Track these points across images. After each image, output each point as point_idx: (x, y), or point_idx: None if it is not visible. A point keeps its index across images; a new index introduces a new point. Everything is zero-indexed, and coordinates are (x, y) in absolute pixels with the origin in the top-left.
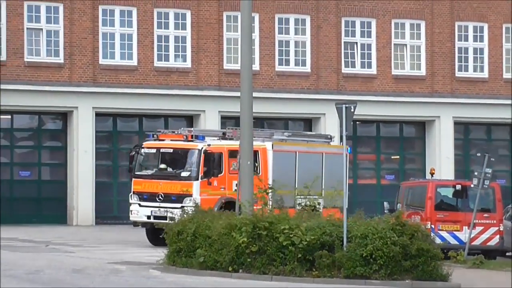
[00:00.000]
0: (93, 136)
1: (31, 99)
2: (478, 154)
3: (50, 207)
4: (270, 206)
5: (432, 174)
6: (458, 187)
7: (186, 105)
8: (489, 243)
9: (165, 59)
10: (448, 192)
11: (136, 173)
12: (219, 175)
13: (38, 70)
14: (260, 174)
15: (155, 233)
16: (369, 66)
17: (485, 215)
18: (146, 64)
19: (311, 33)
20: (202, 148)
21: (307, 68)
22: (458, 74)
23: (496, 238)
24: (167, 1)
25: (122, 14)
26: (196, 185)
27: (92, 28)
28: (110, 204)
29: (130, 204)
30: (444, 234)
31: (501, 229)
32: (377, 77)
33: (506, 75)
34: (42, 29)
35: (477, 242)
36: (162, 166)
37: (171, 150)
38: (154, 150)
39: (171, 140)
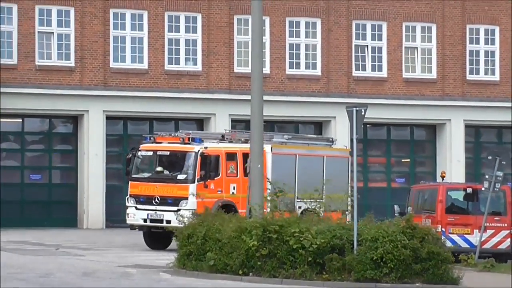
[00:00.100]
0: (103, 139)
1: (42, 102)
2: (489, 157)
3: (60, 210)
4: (280, 209)
5: (443, 177)
6: (469, 190)
7: (197, 109)
8: (500, 246)
9: (175, 63)
10: (459, 195)
11: (133, 175)
12: (216, 178)
13: (49, 73)
14: None
15: (152, 237)
16: (380, 69)
17: (496, 218)
18: (157, 68)
19: (322, 36)
20: (198, 150)
21: (318, 71)
22: (469, 77)
23: (507, 242)
24: (178, 5)
25: (133, 17)
26: (192, 188)
27: (103, 32)
28: (120, 208)
29: (127, 207)
30: (455, 237)
31: None
32: (387, 80)
33: None
34: (53, 32)
35: (488, 246)
36: (159, 169)
37: (168, 153)
38: (151, 153)
39: (168, 142)
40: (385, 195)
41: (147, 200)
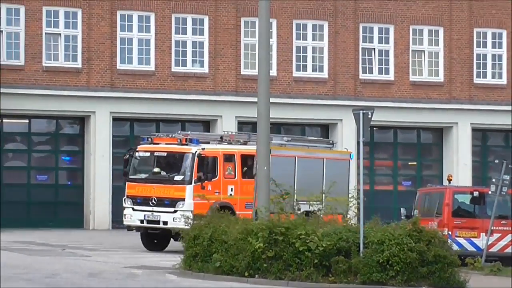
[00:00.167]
0: (110, 140)
1: (49, 103)
2: (496, 161)
3: (67, 211)
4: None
5: (449, 180)
6: (476, 193)
7: (203, 110)
8: (506, 250)
9: (182, 64)
10: (465, 199)
11: (130, 176)
12: (213, 179)
13: (56, 74)
14: None
15: (149, 238)
16: (387, 72)
17: (503, 222)
18: (164, 69)
19: (329, 39)
20: (196, 152)
21: (325, 74)
22: (476, 80)
23: None
24: (185, 7)
25: (140, 19)
26: (189, 189)
27: (110, 33)
28: None
29: (124, 208)
30: (461, 240)
31: None
32: (394, 83)
33: None
34: (60, 34)
35: (494, 249)
36: (156, 170)
37: (165, 154)
38: (148, 154)
39: (166, 143)
40: (392, 198)
41: (144, 201)
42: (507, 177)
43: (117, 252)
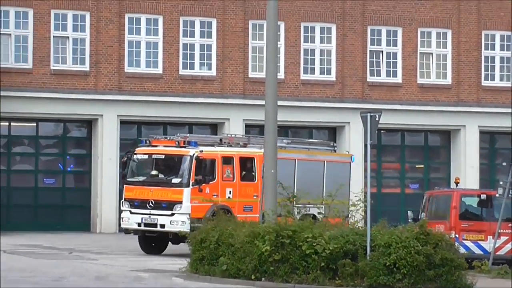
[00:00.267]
0: (117, 144)
1: (57, 106)
2: (504, 164)
3: (74, 214)
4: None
5: (457, 183)
6: (483, 196)
7: (211, 113)
8: None
9: (190, 67)
10: (473, 202)
11: (128, 179)
12: (211, 182)
13: (64, 78)
14: (256, 181)
15: (147, 241)
16: (395, 74)
17: (510, 224)
18: (171, 72)
19: (337, 41)
20: (194, 154)
21: (332, 77)
22: (484, 83)
23: None
24: (193, 9)
25: (148, 22)
26: (186, 192)
27: (118, 36)
28: None
29: (122, 211)
30: (469, 243)
31: None
32: (402, 86)
33: None
34: (68, 37)
35: (501, 252)
36: (154, 172)
37: (163, 156)
38: (146, 156)
39: (164, 146)
40: (399, 201)
41: (142, 204)
42: None
43: (124, 255)
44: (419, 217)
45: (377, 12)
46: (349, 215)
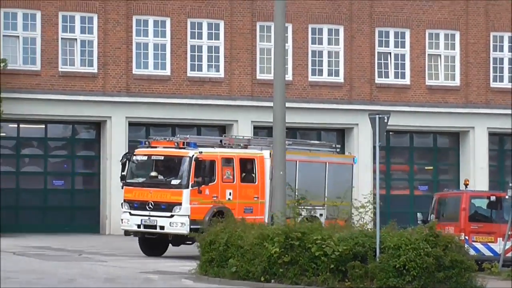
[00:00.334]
0: (126, 145)
1: (65, 108)
2: None
3: (83, 216)
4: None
5: (466, 185)
6: (493, 198)
7: (219, 115)
8: None
9: (198, 69)
10: (482, 203)
11: (128, 180)
12: (210, 184)
13: (72, 79)
14: (256, 183)
15: (147, 243)
16: (403, 76)
17: None
18: (179, 74)
19: (345, 43)
20: (193, 155)
21: (340, 78)
22: (492, 84)
23: None
24: (201, 11)
25: (155, 24)
26: (186, 194)
27: (126, 38)
28: None
29: (121, 212)
30: (478, 245)
31: None
32: (410, 87)
33: None
34: (76, 39)
35: (511, 254)
36: (153, 174)
37: (162, 158)
38: (145, 158)
39: (163, 147)
40: (408, 202)
41: (141, 205)
42: None
43: (133, 257)
44: (429, 219)
45: (385, 14)
46: (352, 217)
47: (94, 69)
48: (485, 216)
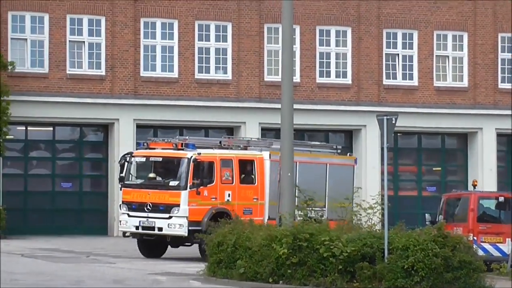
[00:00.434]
0: (134, 148)
1: (73, 111)
2: None
3: (91, 218)
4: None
5: (474, 186)
6: (501, 199)
7: (227, 117)
8: None
9: (205, 71)
10: (490, 204)
11: (126, 182)
12: (209, 185)
13: (80, 82)
14: (256, 184)
15: (146, 244)
16: (411, 77)
17: None
18: (187, 76)
19: (352, 44)
20: (191, 156)
21: (348, 80)
22: (501, 85)
23: None
24: (208, 13)
25: (163, 26)
26: (184, 195)
27: (133, 41)
28: None
29: (120, 214)
30: (487, 246)
31: None
32: (418, 88)
33: None
34: (84, 41)
35: None
36: (151, 175)
37: (160, 159)
38: (143, 159)
39: (162, 148)
40: (416, 203)
41: (139, 207)
42: None
43: (141, 259)
44: (437, 220)
45: (393, 15)
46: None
47: (102, 71)
48: (494, 217)
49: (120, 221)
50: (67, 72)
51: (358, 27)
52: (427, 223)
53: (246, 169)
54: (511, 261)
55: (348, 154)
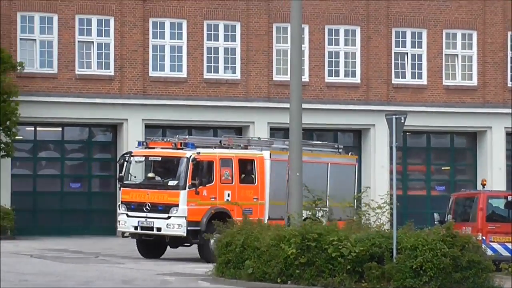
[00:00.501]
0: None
1: (82, 111)
2: None
3: (99, 218)
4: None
5: (483, 185)
6: (510, 198)
7: (235, 117)
8: None
9: (214, 71)
10: (500, 203)
11: (125, 182)
12: (208, 185)
13: (89, 82)
14: (256, 184)
15: (145, 244)
16: (420, 76)
17: None
18: (196, 76)
19: (361, 43)
20: (190, 156)
21: (357, 79)
22: (510, 84)
23: None
24: (217, 13)
25: (172, 26)
26: (183, 195)
27: (142, 41)
28: None
29: (119, 214)
30: (496, 245)
31: None
32: (427, 87)
33: None
34: (93, 42)
35: None
36: (150, 175)
37: (159, 158)
38: (142, 159)
39: (161, 148)
40: (425, 203)
41: (138, 207)
42: None
43: (150, 259)
44: (446, 219)
45: (402, 14)
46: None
47: (110, 71)
48: (503, 216)
49: (119, 222)
50: (76, 72)
51: (367, 26)
52: (436, 222)
53: (246, 168)
54: None
55: (349, 153)
